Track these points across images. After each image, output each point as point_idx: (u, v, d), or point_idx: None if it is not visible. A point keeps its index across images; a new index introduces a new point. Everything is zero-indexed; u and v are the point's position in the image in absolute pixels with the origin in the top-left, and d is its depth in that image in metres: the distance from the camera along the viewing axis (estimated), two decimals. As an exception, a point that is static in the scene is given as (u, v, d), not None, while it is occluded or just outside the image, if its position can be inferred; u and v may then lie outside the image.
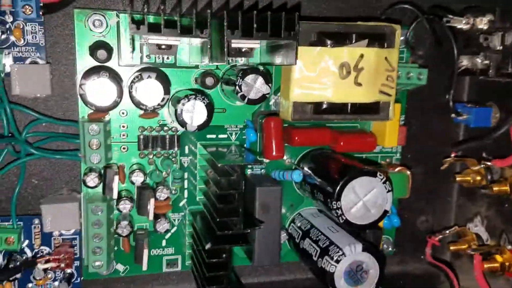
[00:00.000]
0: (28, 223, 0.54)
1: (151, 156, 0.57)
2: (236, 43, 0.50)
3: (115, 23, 0.52)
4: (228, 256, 0.50)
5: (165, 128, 0.57)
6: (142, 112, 0.55)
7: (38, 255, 0.54)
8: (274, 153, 0.58)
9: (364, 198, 0.52)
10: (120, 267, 0.59)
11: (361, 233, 0.57)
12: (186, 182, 0.59)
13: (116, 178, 0.51)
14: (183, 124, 0.51)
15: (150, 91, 0.48)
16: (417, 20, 0.61)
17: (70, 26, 0.54)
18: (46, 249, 0.54)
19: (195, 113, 0.51)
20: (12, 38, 0.50)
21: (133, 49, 0.48)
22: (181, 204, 0.60)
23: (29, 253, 0.54)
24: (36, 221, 0.54)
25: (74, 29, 0.52)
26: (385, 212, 0.53)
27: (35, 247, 0.54)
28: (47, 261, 0.51)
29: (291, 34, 0.48)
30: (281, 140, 0.58)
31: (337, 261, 0.53)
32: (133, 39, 0.48)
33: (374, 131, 0.63)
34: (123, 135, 0.56)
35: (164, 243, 0.61)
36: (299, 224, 0.62)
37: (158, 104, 0.49)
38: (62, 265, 0.52)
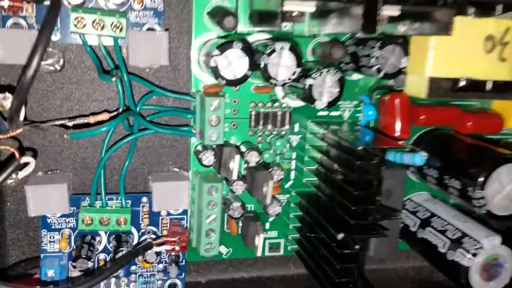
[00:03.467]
0: (137, 201, 0.50)
1: (260, 134, 0.53)
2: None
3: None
4: (361, 248, 0.45)
5: (276, 104, 0.52)
6: (256, 85, 0.50)
7: (147, 237, 0.51)
8: (398, 133, 0.52)
9: (508, 187, 0.47)
10: (223, 249, 0.55)
11: (491, 223, 0.52)
12: (293, 162, 0.55)
13: (237, 158, 0.46)
14: (311, 100, 0.46)
15: (282, 64, 0.43)
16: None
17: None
18: (152, 229, 0.51)
19: (325, 88, 0.45)
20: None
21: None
22: (287, 185, 0.55)
23: (135, 234, 0.50)
24: (145, 199, 0.50)
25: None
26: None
27: (142, 227, 0.50)
28: (161, 244, 0.48)
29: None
30: (407, 119, 0.52)
31: (474, 255, 0.48)
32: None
33: (495, 110, 0.57)
34: (234, 111, 0.51)
35: (267, 225, 0.57)
36: (414, 211, 0.57)
37: (289, 79, 0.44)
38: (177, 248, 0.48)
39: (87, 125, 0.46)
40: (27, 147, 0.48)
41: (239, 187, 0.50)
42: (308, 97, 0.45)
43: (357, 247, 0.45)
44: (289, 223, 0.56)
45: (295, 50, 0.44)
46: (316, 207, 0.51)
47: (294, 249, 0.57)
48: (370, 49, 0.47)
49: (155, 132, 0.48)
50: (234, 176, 0.47)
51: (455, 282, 0.50)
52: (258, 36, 0.49)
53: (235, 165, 0.46)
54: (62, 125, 0.44)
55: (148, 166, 0.51)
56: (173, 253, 0.51)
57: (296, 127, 0.54)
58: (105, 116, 0.45)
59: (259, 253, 0.50)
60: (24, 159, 0.38)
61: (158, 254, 0.49)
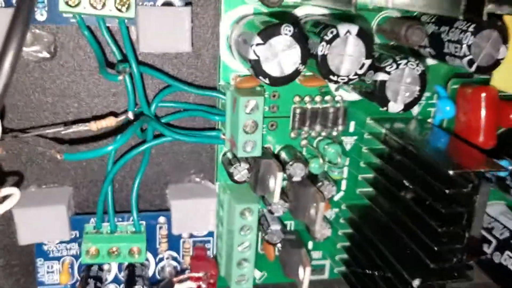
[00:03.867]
0: (153, 222, 0.40)
1: (305, 135, 0.42)
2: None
3: None
4: (440, 293, 0.35)
5: (327, 97, 0.41)
6: (303, 74, 0.39)
7: (165, 264, 0.41)
8: (482, 139, 0.41)
9: None
10: (256, 273, 0.46)
11: None
12: (345, 170, 0.44)
13: (280, 176, 0.36)
14: (382, 101, 0.34)
15: (347, 54, 0.31)
16: None
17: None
18: (172, 255, 0.41)
19: (402, 85, 0.34)
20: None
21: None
22: (336, 197, 0.45)
23: (151, 261, 0.41)
24: (162, 219, 0.40)
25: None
26: None
27: (159, 251, 0.41)
28: (184, 280, 0.38)
29: None
30: (495, 121, 0.41)
31: None
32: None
33: None
34: (273, 108, 0.40)
35: (310, 245, 0.47)
36: (489, 228, 0.47)
37: (356, 74, 0.32)
38: (203, 286, 0.38)
39: (86, 138, 0.35)
40: (11, 157, 0.37)
41: (280, 208, 0.40)
42: (378, 96, 0.34)
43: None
44: (336, 241, 0.46)
45: (365, 35, 0.32)
46: (375, 229, 0.41)
47: (340, 272, 0.47)
48: (459, 34, 0.35)
49: (173, 140, 0.37)
50: (276, 198, 0.36)
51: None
52: (309, 9, 0.37)
53: (276, 185, 0.36)
54: (53, 139, 0.34)
55: (165, 176, 0.41)
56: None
57: (352, 126, 0.43)
58: (111, 122, 0.35)
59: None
60: (4, 192, 0.28)
61: (179, 290, 0.40)
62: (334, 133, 0.42)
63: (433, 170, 0.34)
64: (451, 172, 0.31)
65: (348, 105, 0.42)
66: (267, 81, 0.32)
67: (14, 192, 0.28)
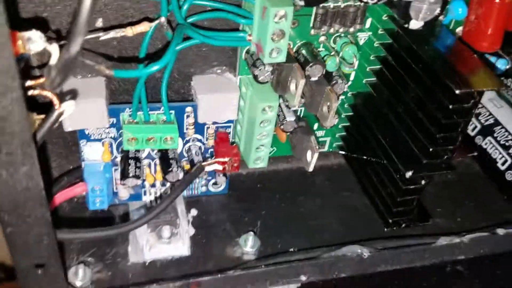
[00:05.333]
0: (181, 112, 0.44)
1: (323, 33, 0.44)
2: None
3: None
4: (427, 182, 0.42)
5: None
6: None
7: (191, 145, 0.47)
8: (487, 43, 0.44)
9: None
10: (267, 148, 0.52)
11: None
12: (356, 63, 0.47)
13: (302, 82, 0.39)
14: (405, 17, 0.36)
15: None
16: None
17: None
18: (197, 137, 0.47)
19: (425, 5, 0.36)
20: None
21: None
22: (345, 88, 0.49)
23: (180, 142, 0.46)
24: (189, 109, 0.44)
25: None
26: None
27: (186, 136, 0.46)
28: (212, 164, 0.44)
29: None
30: (503, 26, 0.43)
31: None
32: None
33: None
34: (296, 7, 0.41)
35: (315, 126, 0.52)
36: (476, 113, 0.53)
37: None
38: (228, 168, 0.45)
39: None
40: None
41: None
42: (402, 14, 0.36)
43: (423, 182, 0.42)
44: (339, 123, 0.52)
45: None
46: (376, 118, 0.46)
47: (338, 145, 0.54)
48: None
49: (201, 42, 0.39)
50: (296, 102, 0.41)
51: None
52: None
53: (298, 89, 0.40)
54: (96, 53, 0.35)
55: (189, 67, 0.44)
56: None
57: (368, 23, 0.45)
58: (146, 27, 0.36)
59: (310, 169, 0.47)
60: (64, 106, 0.31)
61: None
62: (351, 30, 0.44)
63: (439, 81, 0.38)
64: (457, 91, 0.35)
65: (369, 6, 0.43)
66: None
67: (70, 105, 0.32)
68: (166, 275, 0.43)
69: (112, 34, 0.36)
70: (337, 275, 0.45)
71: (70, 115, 0.40)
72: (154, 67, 0.36)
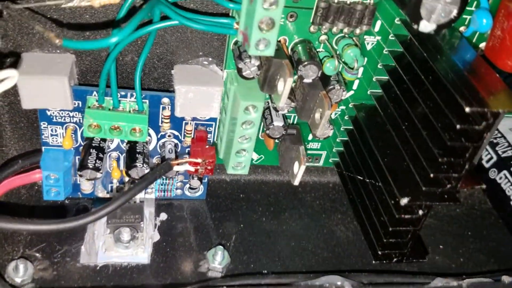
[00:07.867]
0: (156, 102, 0.39)
1: (325, 31, 0.39)
2: None
3: None
4: (425, 214, 0.36)
5: (353, -9, 0.37)
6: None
7: (167, 141, 0.42)
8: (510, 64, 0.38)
9: None
10: (254, 155, 0.47)
11: None
12: (361, 70, 0.42)
13: (290, 81, 0.34)
14: (414, 17, 0.31)
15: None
16: None
17: None
18: (174, 133, 0.42)
19: (440, 4, 0.30)
20: None
21: None
22: (346, 96, 0.44)
23: (153, 137, 0.42)
24: (166, 100, 0.40)
25: None
26: None
27: (161, 130, 0.41)
28: (182, 164, 0.39)
29: None
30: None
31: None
32: None
33: None
34: (295, -3, 0.37)
35: (310, 137, 0.47)
36: (494, 143, 0.47)
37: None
38: (201, 170, 0.40)
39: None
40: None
41: (285, 106, 0.39)
42: (411, 12, 0.31)
43: (421, 212, 0.36)
44: (337, 136, 0.47)
45: None
46: (376, 136, 0.40)
47: (334, 162, 0.49)
48: None
49: (181, 24, 0.34)
50: (282, 103, 0.35)
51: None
52: None
53: (285, 89, 0.34)
54: (53, 20, 0.31)
55: (171, 54, 0.39)
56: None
57: (377, 26, 0.40)
58: (115, 0, 0.32)
59: (296, 183, 0.41)
60: (3, 73, 0.27)
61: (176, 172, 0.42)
62: (357, 31, 0.39)
63: (449, 97, 0.32)
64: (467, 109, 0.30)
65: (378, 2, 0.38)
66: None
67: (11, 75, 0.27)
68: (116, 283, 0.38)
69: (76, 2, 0.31)
70: (310, 307, 0.40)
71: (28, 91, 0.36)
72: (112, 39, 0.31)
